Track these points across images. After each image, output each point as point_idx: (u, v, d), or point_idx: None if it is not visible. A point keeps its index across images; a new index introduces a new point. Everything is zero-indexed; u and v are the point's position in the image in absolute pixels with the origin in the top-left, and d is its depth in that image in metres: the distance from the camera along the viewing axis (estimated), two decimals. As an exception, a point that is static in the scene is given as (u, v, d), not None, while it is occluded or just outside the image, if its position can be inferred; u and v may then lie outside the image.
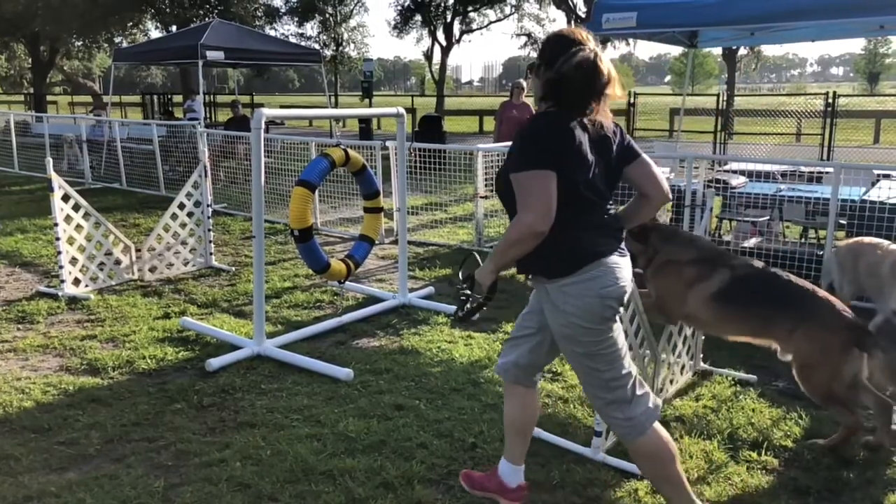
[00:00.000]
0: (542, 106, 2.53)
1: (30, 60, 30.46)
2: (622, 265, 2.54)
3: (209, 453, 3.37)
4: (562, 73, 2.42)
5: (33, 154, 13.62)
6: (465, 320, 2.68)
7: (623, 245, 2.60)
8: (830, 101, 14.34)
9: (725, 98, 17.16)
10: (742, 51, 32.46)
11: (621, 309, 2.55)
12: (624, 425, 2.60)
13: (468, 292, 2.62)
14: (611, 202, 2.60)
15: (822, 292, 3.49)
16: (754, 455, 3.40)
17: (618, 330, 2.57)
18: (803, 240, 7.04)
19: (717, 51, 37.31)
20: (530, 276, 2.62)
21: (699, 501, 2.67)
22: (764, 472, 3.29)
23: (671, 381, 4.04)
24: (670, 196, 2.75)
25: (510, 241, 2.42)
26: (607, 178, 2.56)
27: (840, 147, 14.56)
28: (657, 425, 2.63)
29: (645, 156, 2.65)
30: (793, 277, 3.52)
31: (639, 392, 2.60)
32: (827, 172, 7.16)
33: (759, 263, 3.67)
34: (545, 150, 2.38)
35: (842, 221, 5.88)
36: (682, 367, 4.17)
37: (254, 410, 3.83)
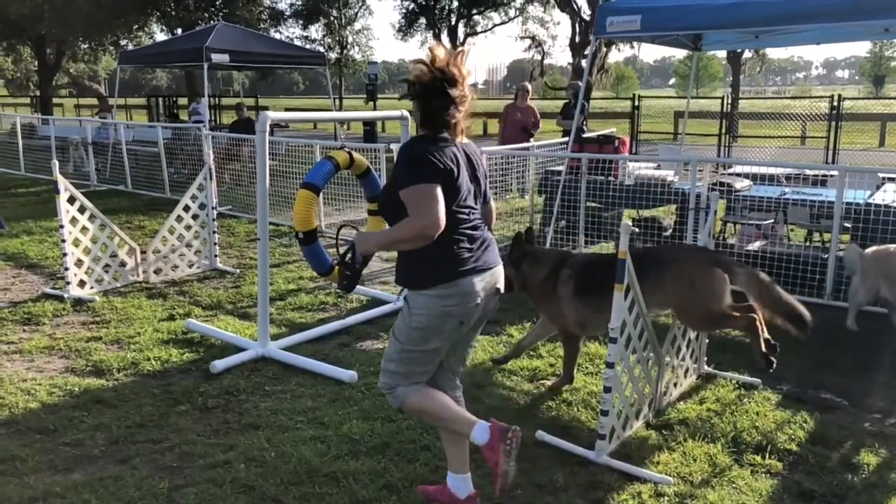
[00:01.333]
0: (422, 130, 2.77)
1: (36, 63, 30.53)
2: (478, 285, 2.73)
3: (213, 455, 3.38)
4: (428, 91, 2.68)
5: (39, 156, 13.67)
6: (349, 290, 3.06)
7: (492, 263, 2.81)
8: (835, 103, 14.30)
9: (730, 101, 17.14)
10: (747, 54, 32.41)
11: (463, 327, 2.76)
12: (386, 392, 2.88)
13: (353, 266, 2.96)
14: (480, 219, 2.83)
15: (662, 247, 3.68)
16: (759, 459, 3.40)
17: (438, 353, 2.81)
18: (808, 243, 7.03)
19: (722, 53, 37.30)
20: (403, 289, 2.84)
21: (480, 420, 2.80)
22: (768, 475, 3.28)
23: (675, 385, 4.04)
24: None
25: (400, 236, 2.65)
26: (475, 198, 2.82)
27: (845, 150, 14.51)
28: (414, 386, 2.83)
29: (492, 201, 2.99)
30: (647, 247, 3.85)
31: (416, 383, 2.83)
32: (832, 175, 7.14)
33: (595, 253, 4.11)
34: (429, 168, 2.60)
35: (847, 225, 5.86)
36: (686, 371, 4.16)
37: (258, 412, 3.84)
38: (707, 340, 4.36)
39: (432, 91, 2.68)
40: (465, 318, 2.75)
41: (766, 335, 3.65)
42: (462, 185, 2.70)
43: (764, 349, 3.63)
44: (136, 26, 28.49)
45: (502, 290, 2.89)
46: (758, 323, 3.60)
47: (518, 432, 2.73)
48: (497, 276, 2.85)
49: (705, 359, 4.38)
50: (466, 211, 2.74)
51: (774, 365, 3.62)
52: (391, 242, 2.75)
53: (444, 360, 2.91)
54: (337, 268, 2.94)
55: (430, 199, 2.56)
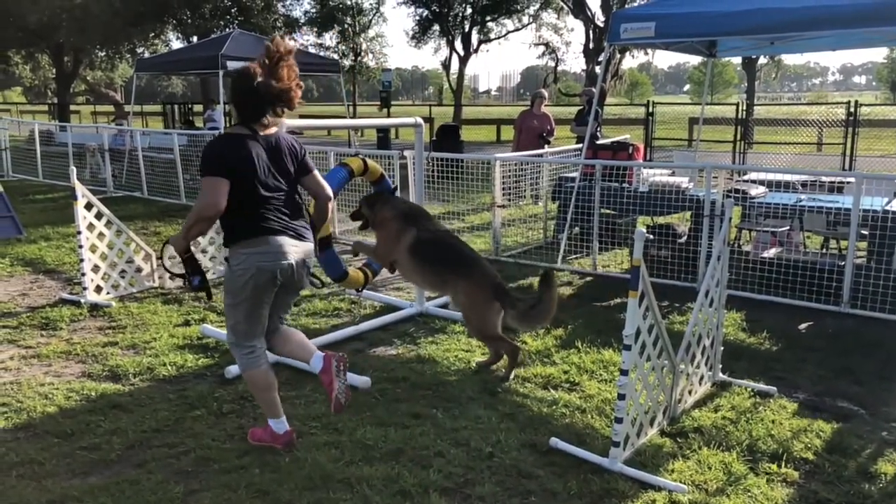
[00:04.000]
0: (236, 123, 3.38)
1: (54, 71, 30.95)
2: (288, 247, 3.34)
3: (228, 460, 3.40)
4: (237, 92, 3.32)
5: (56, 163, 13.82)
6: (202, 287, 3.45)
7: (298, 231, 3.42)
8: (852, 110, 14.17)
9: (745, 107, 17.03)
10: (762, 60, 32.29)
11: (278, 280, 3.32)
12: (238, 362, 3.49)
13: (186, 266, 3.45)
14: (287, 198, 3.39)
15: (483, 261, 4.57)
16: (774, 467, 3.38)
17: (262, 306, 3.38)
18: (824, 250, 6.98)
19: (737, 60, 37.15)
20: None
21: (283, 415, 3.52)
22: (784, 484, 3.26)
23: (690, 392, 4.02)
24: (331, 196, 3.64)
25: (189, 221, 3.25)
26: (284, 180, 3.38)
27: (862, 157, 14.36)
28: (264, 364, 3.47)
29: (315, 172, 3.54)
30: (465, 245, 4.66)
31: (257, 346, 3.45)
32: (848, 182, 7.10)
33: (445, 230, 4.85)
34: (218, 161, 3.20)
35: (864, 232, 5.82)
36: (701, 378, 4.14)
37: (272, 418, 3.85)
38: (722, 348, 4.34)
39: (243, 93, 3.28)
40: (278, 272, 3.31)
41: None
42: (258, 170, 3.26)
43: (510, 373, 4.42)
44: (153, 34, 28.81)
45: (309, 265, 3.50)
46: (520, 354, 4.50)
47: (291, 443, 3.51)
48: (305, 250, 3.45)
49: (720, 366, 4.36)
50: (270, 189, 3.31)
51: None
52: (187, 230, 3.28)
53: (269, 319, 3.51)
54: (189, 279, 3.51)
55: (211, 187, 3.17)
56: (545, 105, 11.42)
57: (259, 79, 3.24)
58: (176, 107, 21.25)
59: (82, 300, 5.88)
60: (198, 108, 22.04)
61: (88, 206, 5.91)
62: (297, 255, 3.38)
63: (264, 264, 3.27)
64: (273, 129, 3.39)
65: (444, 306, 5.78)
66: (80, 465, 3.38)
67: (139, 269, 6.34)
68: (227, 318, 3.46)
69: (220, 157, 3.23)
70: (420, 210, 4.77)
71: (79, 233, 5.83)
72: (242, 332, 3.42)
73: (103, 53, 30.55)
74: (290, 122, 4.62)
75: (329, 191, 3.62)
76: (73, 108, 33.60)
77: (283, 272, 3.32)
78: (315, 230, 3.67)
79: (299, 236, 3.43)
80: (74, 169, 6.02)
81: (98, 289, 6.00)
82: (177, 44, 29.96)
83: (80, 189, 5.81)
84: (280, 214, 3.35)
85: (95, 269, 5.99)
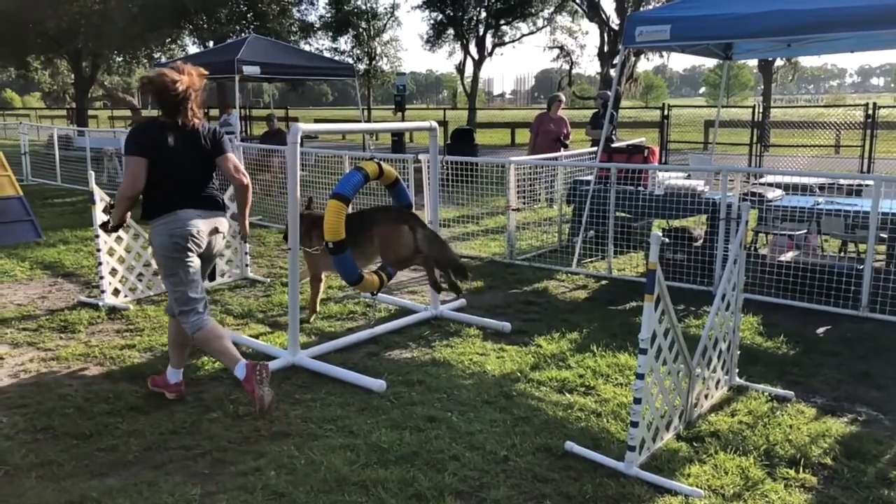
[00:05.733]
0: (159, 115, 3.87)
1: (72, 76, 31.26)
2: (195, 219, 3.84)
3: (244, 462, 3.42)
4: (157, 88, 3.77)
5: (75, 167, 13.98)
6: (109, 231, 4.16)
7: (209, 208, 3.92)
8: (871, 112, 14.05)
9: (761, 110, 16.92)
10: (778, 62, 32.05)
11: (191, 245, 3.82)
12: (187, 326, 3.90)
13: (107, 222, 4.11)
14: (200, 178, 3.92)
15: (383, 207, 5.17)
16: (792, 472, 3.35)
17: (189, 268, 3.85)
18: (842, 254, 6.92)
19: (753, 62, 36.90)
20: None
21: (242, 360, 3.83)
22: (802, 489, 3.23)
23: (706, 396, 3.99)
24: (243, 180, 4.03)
25: (119, 198, 3.85)
26: (200, 162, 3.89)
27: (881, 159, 14.22)
28: (209, 321, 3.93)
29: (229, 153, 4.00)
30: (364, 210, 5.19)
31: (199, 308, 3.90)
32: (867, 185, 7.03)
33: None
34: (138, 143, 3.74)
35: (882, 235, 5.76)
36: (717, 382, 4.12)
37: (288, 420, 3.87)
38: (738, 352, 4.31)
39: (161, 90, 3.73)
40: (188, 237, 3.79)
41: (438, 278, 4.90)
42: (174, 154, 3.77)
43: (437, 280, 4.86)
44: (169, 39, 29.02)
45: (223, 232, 4.05)
46: (431, 263, 4.77)
47: (266, 366, 3.80)
48: (216, 221, 3.98)
49: (737, 370, 4.33)
50: (182, 170, 3.81)
51: (441, 291, 4.99)
52: (117, 205, 3.88)
53: None
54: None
55: (131, 168, 3.72)
56: (562, 108, 11.39)
57: (173, 81, 3.72)
58: (192, 111, 21.33)
59: (100, 303, 5.94)
60: (213, 112, 22.18)
61: (106, 210, 5.96)
62: (205, 224, 3.90)
63: (175, 231, 3.78)
64: (196, 121, 3.87)
65: (460, 310, 5.80)
66: (98, 466, 3.41)
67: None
68: (168, 293, 3.92)
69: (136, 137, 3.77)
70: (319, 213, 5.13)
71: (97, 236, 5.89)
72: (185, 298, 3.86)
73: (121, 58, 30.82)
74: (305, 126, 4.66)
75: (239, 176, 4.00)
76: (90, 112, 33.95)
77: (192, 237, 3.81)
78: (241, 215, 4.20)
79: (210, 209, 3.94)
80: (92, 173, 6.08)
81: (116, 292, 6.06)
82: (193, 49, 30.17)
83: (98, 193, 5.87)
84: (191, 193, 3.86)
85: (113, 272, 6.05)
